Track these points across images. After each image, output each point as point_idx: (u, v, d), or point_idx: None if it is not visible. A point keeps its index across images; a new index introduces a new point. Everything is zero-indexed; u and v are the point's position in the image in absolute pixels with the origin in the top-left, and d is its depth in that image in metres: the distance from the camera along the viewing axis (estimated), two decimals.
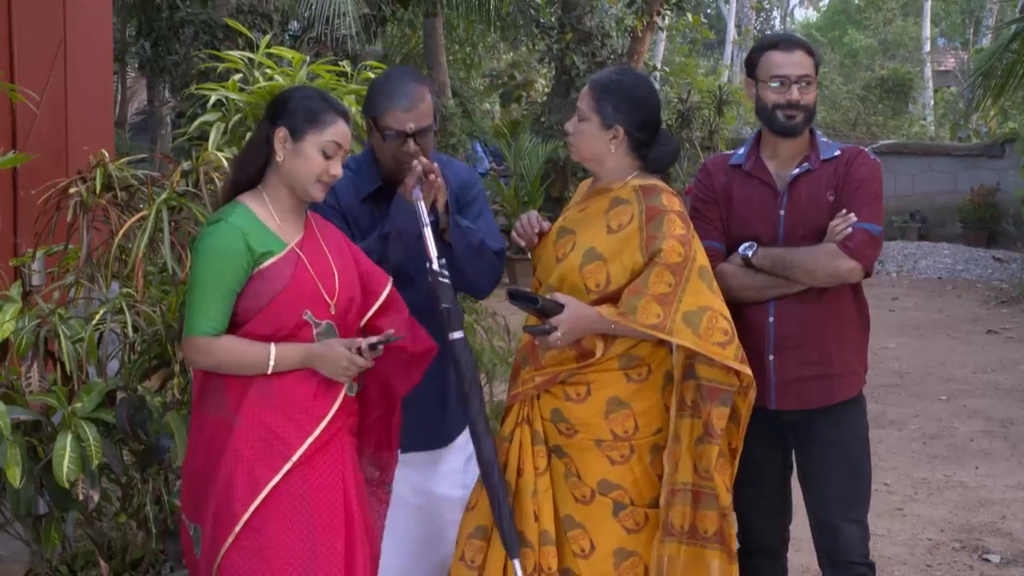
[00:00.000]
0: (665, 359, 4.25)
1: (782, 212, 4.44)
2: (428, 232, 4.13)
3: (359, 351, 3.82)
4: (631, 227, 4.19)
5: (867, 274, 4.36)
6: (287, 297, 3.79)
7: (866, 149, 4.50)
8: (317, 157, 3.84)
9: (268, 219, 3.84)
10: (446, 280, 4.11)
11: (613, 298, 4.13)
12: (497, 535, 4.17)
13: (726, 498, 4.15)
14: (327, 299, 3.88)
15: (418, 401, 4.28)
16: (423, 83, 4.36)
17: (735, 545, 4.21)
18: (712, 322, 4.07)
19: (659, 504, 4.21)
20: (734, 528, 4.22)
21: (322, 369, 3.83)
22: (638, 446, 4.21)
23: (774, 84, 4.39)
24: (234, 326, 3.79)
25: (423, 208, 4.14)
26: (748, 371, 4.10)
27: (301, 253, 3.86)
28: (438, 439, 4.57)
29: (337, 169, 3.88)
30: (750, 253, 4.35)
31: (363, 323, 4.02)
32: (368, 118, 4.33)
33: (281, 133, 3.83)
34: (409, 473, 4.43)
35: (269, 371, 3.77)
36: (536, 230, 4.34)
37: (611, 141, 4.25)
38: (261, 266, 3.78)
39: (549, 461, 4.25)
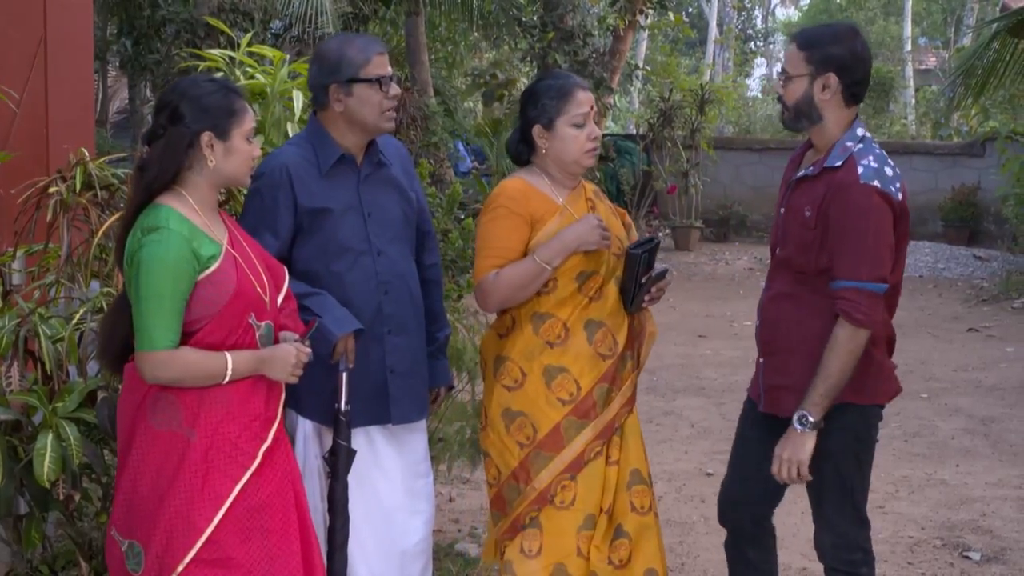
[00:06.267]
0: None
1: (782, 211, 4.42)
2: (345, 377, 4.28)
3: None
4: (613, 209, 4.80)
5: (873, 326, 4.20)
6: (236, 301, 3.77)
7: (860, 169, 4.18)
8: (246, 147, 3.85)
9: (197, 220, 3.79)
10: (345, 421, 4.30)
11: None
12: (602, 521, 4.47)
13: None
14: (263, 298, 3.87)
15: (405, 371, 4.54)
16: None
17: None
18: None
19: None
20: None
21: (271, 372, 3.83)
22: None
23: None
24: (184, 336, 3.74)
25: (345, 361, 4.30)
26: None
27: (235, 253, 3.85)
28: (421, 409, 4.67)
29: (257, 150, 3.93)
30: (811, 419, 4.19)
31: None
32: (339, 82, 4.38)
33: (206, 138, 3.78)
34: (387, 455, 4.55)
35: (226, 381, 3.75)
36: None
37: None
38: (207, 271, 3.74)
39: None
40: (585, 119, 4.47)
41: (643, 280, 4.51)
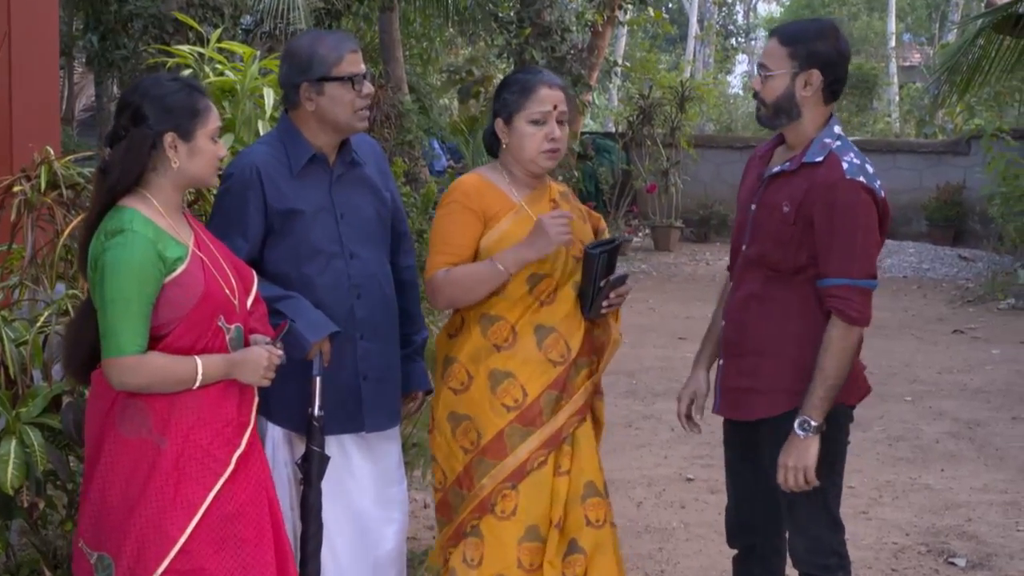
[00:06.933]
0: None
1: (753, 207, 4.41)
2: (318, 381, 4.25)
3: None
4: (582, 212, 4.68)
5: (866, 323, 4.25)
6: (204, 304, 3.76)
7: (845, 165, 4.19)
8: (211, 147, 3.83)
9: (162, 222, 3.77)
10: (319, 426, 4.26)
11: None
12: (553, 535, 4.37)
13: None
14: (232, 300, 3.85)
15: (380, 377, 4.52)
16: None
17: None
18: None
19: None
20: None
21: (242, 376, 3.81)
22: None
23: None
24: (152, 340, 3.72)
25: (318, 362, 4.27)
26: None
27: (202, 255, 3.83)
28: (394, 416, 4.66)
29: (223, 149, 3.92)
30: (812, 423, 4.18)
31: None
32: (310, 81, 4.36)
33: (170, 138, 3.76)
34: (360, 463, 4.55)
35: (196, 385, 3.73)
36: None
37: None
38: (174, 274, 3.72)
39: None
40: (545, 117, 4.39)
41: (601, 284, 4.40)
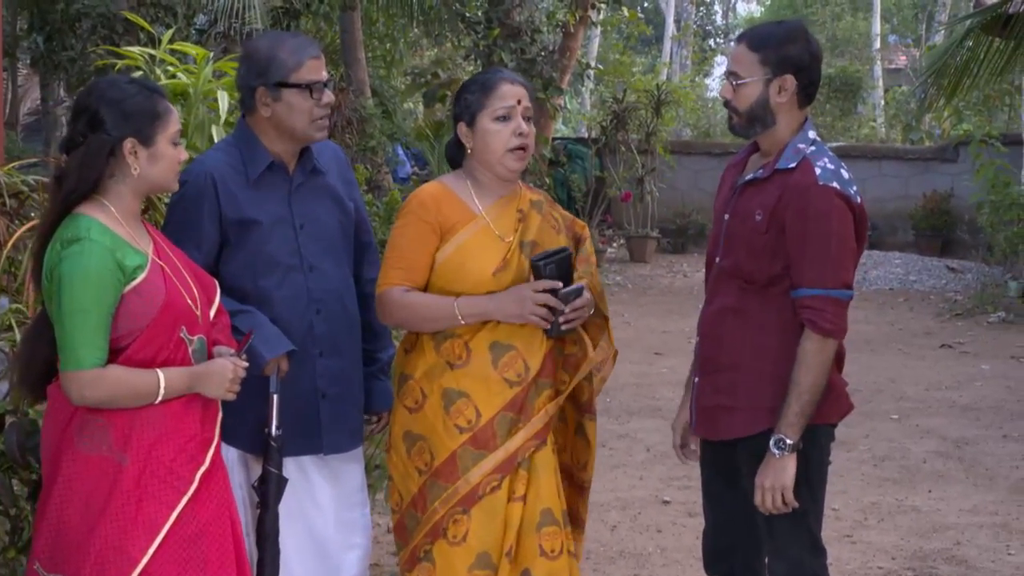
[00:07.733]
0: None
1: (726, 216, 4.42)
2: (275, 399, 4.26)
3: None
4: (559, 221, 4.58)
5: (841, 334, 4.25)
6: (165, 314, 3.76)
7: (818, 171, 4.19)
8: (171, 151, 3.84)
9: (120, 231, 3.76)
10: (276, 446, 4.27)
11: None
12: (504, 564, 4.29)
13: None
14: (195, 310, 3.86)
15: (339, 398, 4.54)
16: None
17: None
18: None
19: None
20: None
21: (206, 389, 3.82)
22: None
23: None
24: (111, 353, 3.71)
25: (275, 379, 4.28)
26: None
27: (162, 263, 3.83)
28: (355, 437, 4.67)
29: (184, 153, 3.91)
30: (788, 442, 4.18)
31: None
32: (267, 86, 4.36)
33: (129, 145, 3.76)
34: (320, 485, 4.55)
35: (159, 400, 3.73)
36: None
37: None
38: (133, 283, 3.72)
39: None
40: (510, 112, 4.33)
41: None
